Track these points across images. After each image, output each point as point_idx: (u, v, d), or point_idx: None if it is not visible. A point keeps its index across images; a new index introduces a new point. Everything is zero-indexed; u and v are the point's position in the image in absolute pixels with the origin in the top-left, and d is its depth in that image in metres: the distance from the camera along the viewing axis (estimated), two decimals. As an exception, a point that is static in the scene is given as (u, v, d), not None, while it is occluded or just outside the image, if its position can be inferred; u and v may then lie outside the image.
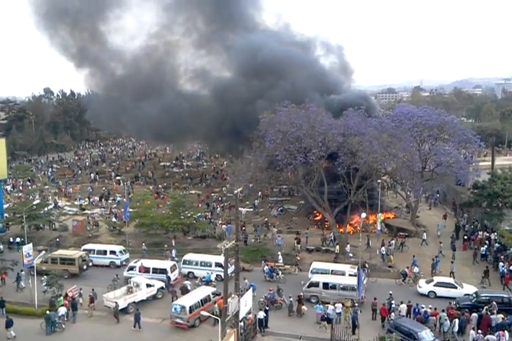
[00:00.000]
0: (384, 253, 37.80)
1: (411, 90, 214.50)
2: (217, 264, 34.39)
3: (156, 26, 71.52)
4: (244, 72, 61.28)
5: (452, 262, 35.37)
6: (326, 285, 30.45)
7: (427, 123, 45.08)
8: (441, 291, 31.26)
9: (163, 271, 33.87)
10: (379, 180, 41.40)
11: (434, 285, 31.67)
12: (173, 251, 39.04)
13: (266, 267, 35.13)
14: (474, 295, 29.35)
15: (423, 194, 49.05)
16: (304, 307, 29.15)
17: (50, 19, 69.95)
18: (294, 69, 57.10)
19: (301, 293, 30.30)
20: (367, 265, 35.22)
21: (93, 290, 30.38)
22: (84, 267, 36.00)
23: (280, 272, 34.80)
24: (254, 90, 56.99)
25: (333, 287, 30.34)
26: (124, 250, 39.09)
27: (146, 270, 34.42)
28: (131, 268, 34.90)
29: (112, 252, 38.27)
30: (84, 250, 38.05)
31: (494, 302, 27.64)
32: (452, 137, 45.96)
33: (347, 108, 42.36)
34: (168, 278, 33.30)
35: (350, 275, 31.87)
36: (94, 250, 38.46)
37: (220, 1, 68.61)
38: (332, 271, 32.54)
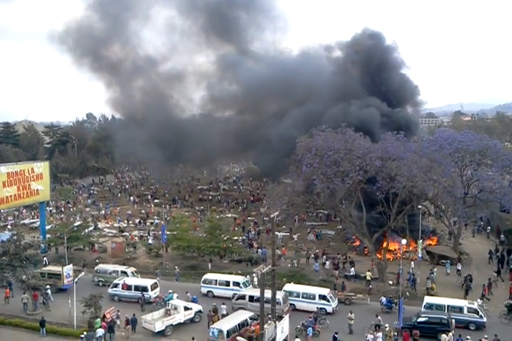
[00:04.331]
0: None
1: (451, 115, 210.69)
2: (321, 296, 32.75)
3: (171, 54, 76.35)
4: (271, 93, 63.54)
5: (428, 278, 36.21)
6: (251, 298, 32.18)
7: (469, 148, 44.13)
8: None
9: (144, 289, 34.78)
10: (420, 206, 40.39)
11: None
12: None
13: (384, 298, 33.20)
14: (415, 316, 29.62)
15: (466, 220, 47.57)
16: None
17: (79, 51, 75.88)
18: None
19: (299, 325, 29.22)
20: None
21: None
22: None
23: None
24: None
25: (258, 300, 30.76)
26: (247, 281, 36.16)
27: (129, 287, 35.25)
28: (115, 286, 35.69)
29: (236, 284, 35.63)
30: (204, 280, 36.64)
31: None
32: (495, 162, 44.80)
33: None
34: (148, 295, 34.34)
35: (469, 311, 30.02)
36: (216, 280, 36.45)
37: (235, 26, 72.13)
38: (448, 306, 30.54)
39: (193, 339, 27.19)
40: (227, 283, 35.89)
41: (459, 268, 39.30)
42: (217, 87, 75.16)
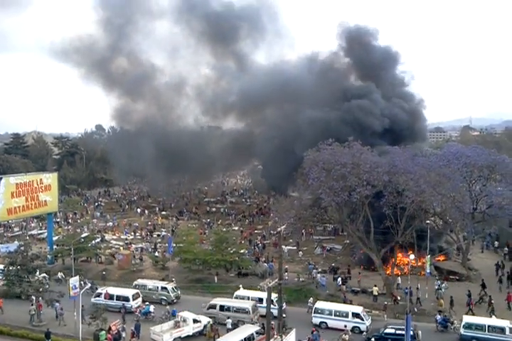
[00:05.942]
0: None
1: (459, 129, 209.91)
2: (355, 314, 32.04)
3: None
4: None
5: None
6: (221, 308, 33.40)
7: (477, 163, 43.92)
8: None
9: (126, 299, 35.18)
10: (428, 221, 40.11)
11: None
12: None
13: (438, 316, 32.42)
14: (383, 327, 30.25)
15: (474, 236, 47.08)
16: None
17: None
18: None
19: (305, 340, 28.63)
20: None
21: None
22: None
23: (456, 322, 31.80)
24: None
25: (228, 309, 33.23)
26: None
27: (111, 297, 35.58)
28: (98, 295, 36.00)
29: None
30: (236, 297, 35.32)
31: None
32: (504, 177, 44.48)
33: None
34: (129, 305, 34.78)
35: (511, 332, 28.90)
36: (248, 297, 35.15)
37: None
38: (489, 326, 29.48)
39: None
40: (261, 300, 34.05)
41: (442, 285, 37.96)
42: (218, 98, 76.08)
